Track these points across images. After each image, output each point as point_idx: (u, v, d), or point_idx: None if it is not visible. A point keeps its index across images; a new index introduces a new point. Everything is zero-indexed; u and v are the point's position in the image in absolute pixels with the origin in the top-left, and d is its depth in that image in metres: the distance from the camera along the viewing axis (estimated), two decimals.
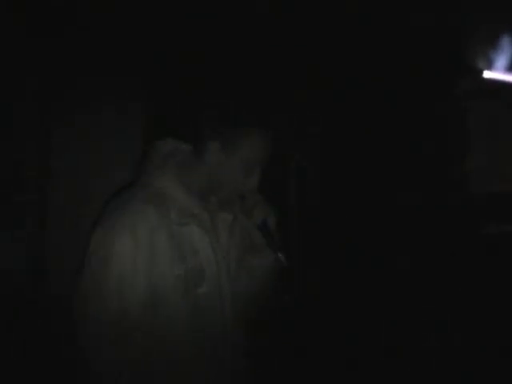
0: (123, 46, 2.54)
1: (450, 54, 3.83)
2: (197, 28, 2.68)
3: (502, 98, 4.14)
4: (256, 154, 1.69)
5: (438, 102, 3.85)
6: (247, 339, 1.85)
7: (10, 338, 2.27)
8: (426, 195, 3.76)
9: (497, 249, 3.80)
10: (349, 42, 3.30)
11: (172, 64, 2.67)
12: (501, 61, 4.09)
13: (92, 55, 2.50)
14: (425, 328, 3.48)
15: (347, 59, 3.35)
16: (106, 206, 1.70)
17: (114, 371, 1.63)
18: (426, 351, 3.39)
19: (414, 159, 3.74)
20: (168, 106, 2.64)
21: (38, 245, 2.43)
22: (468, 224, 3.88)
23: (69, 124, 2.50)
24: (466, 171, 4.03)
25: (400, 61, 3.54)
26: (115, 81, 2.57)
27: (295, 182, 3.42)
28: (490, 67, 4.07)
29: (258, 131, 1.68)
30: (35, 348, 2.32)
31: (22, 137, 2.40)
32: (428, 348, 3.40)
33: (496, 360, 3.35)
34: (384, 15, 3.38)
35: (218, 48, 2.75)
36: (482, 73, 4.05)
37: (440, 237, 3.74)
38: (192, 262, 1.69)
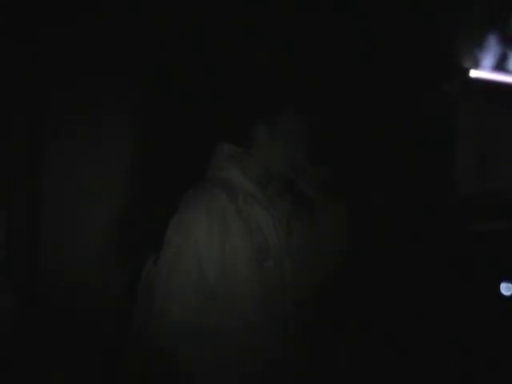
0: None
1: (437, 53, 3.84)
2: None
3: (489, 97, 4.17)
4: (297, 132, 1.92)
5: (424, 102, 3.86)
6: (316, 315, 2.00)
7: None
8: (413, 193, 3.77)
9: (484, 246, 3.82)
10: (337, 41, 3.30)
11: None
12: (488, 60, 4.11)
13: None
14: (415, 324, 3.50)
15: (335, 58, 3.35)
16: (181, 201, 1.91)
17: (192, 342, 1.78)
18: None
19: (400, 157, 3.74)
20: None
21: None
22: (455, 222, 3.90)
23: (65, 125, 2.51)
24: (453, 169, 4.06)
25: (386, 60, 3.54)
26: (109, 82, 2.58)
27: None
28: (476, 66, 4.09)
29: (294, 113, 1.90)
30: None
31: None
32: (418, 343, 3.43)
33: (485, 355, 3.39)
34: (371, 15, 3.39)
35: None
36: (468, 72, 4.06)
37: (427, 234, 3.75)
38: (258, 237, 1.87)
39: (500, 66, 4.18)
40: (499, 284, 3.70)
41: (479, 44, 4.06)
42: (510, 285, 3.68)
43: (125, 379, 1.91)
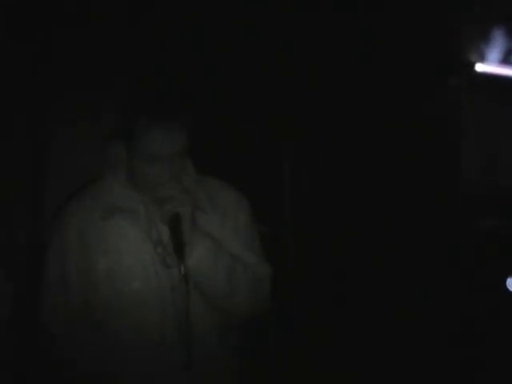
0: None
1: (442, 47, 3.81)
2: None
3: (494, 91, 4.14)
4: (154, 147, 1.59)
5: (430, 97, 3.83)
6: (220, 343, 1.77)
7: None
8: (419, 191, 3.76)
9: (491, 244, 3.81)
10: (337, 37, 3.29)
11: None
12: (493, 53, 4.08)
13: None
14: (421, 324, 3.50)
15: (335, 55, 3.34)
16: None
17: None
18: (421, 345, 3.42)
19: (406, 155, 3.73)
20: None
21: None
22: (462, 219, 3.89)
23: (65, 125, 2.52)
24: (459, 166, 4.04)
25: (390, 55, 3.52)
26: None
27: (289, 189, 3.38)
28: (482, 60, 4.06)
29: (151, 124, 1.59)
30: None
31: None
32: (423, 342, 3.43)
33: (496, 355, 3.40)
34: (375, 10, 3.37)
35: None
36: (474, 66, 4.03)
37: (434, 232, 3.74)
38: (115, 257, 1.68)
39: (507, 60, 4.14)
40: (505, 280, 3.69)
41: (485, 37, 4.03)
42: None
43: None
